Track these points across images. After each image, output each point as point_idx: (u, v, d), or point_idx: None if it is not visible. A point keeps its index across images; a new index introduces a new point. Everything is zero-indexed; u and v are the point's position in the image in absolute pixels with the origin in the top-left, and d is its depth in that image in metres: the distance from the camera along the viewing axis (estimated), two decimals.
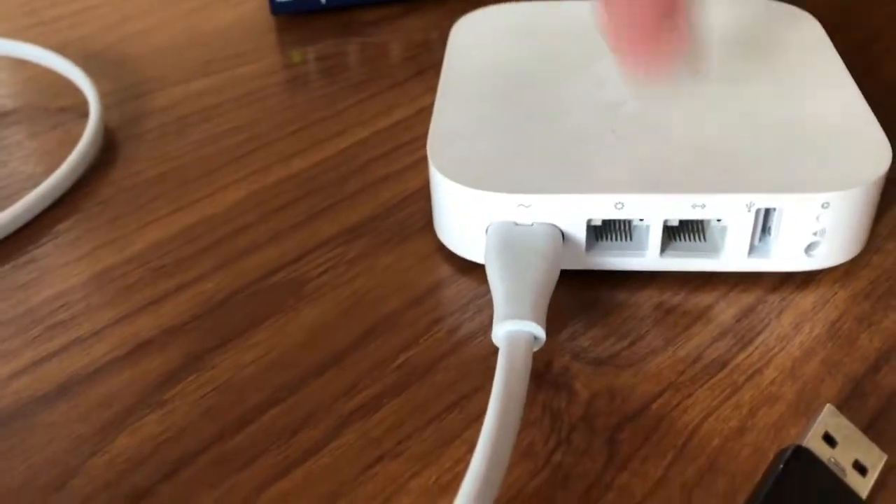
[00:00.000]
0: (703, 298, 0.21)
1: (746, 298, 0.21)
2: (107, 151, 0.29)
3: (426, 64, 0.32)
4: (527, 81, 0.25)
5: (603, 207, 0.20)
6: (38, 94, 0.32)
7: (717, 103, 0.23)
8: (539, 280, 0.19)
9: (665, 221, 0.21)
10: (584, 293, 0.22)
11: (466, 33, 0.28)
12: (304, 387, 0.20)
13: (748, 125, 0.22)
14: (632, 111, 0.23)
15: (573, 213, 0.21)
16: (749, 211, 0.20)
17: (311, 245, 0.24)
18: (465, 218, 0.21)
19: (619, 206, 0.20)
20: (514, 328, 0.18)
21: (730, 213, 0.20)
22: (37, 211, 0.25)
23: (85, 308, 0.22)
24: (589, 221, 0.21)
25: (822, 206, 0.20)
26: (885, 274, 0.21)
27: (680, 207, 0.20)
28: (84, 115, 0.30)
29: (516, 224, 0.21)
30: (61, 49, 0.34)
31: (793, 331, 0.20)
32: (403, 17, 0.36)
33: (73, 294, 0.23)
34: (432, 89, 0.30)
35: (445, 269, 0.23)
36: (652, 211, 0.20)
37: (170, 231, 0.25)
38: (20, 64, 0.33)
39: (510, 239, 0.21)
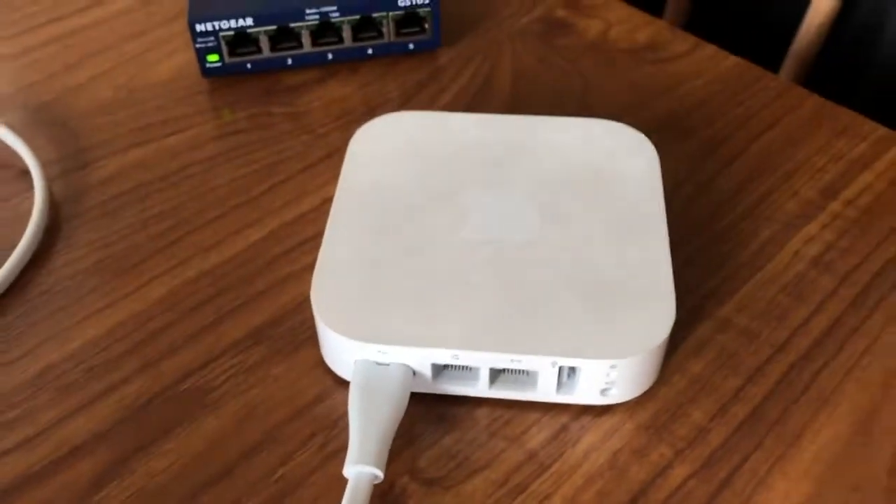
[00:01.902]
0: (524, 420, 0.27)
1: (555, 424, 0.26)
2: (51, 230, 0.33)
3: (334, 145, 0.36)
4: (406, 213, 0.29)
5: (443, 356, 0.25)
6: None
7: (543, 252, 0.28)
8: (387, 423, 0.25)
9: (490, 368, 0.26)
10: (433, 408, 0.27)
11: (363, 146, 0.32)
12: (201, 497, 0.25)
13: (563, 281, 0.27)
14: (481, 257, 0.28)
15: (421, 358, 0.26)
16: (553, 367, 0.25)
17: (218, 350, 0.29)
18: (339, 350, 0.26)
19: (455, 357, 0.25)
20: (360, 471, 0.24)
21: (539, 367, 0.25)
22: None
23: (29, 409, 0.27)
24: (433, 363, 0.26)
25: (611, 367, 0.25)
26: (665, 406, 0.27)
27: (501, 361, 0.25)
28: (29, 187, 0.34)
29: (377, 363, 0.26)
30: None
31: (583, 458, 0.26)
32: (322, 83, 0.39)
33: (19, 394, 0.27)
34: (335, 177, 0.34)
35: (326, 381, 0.28)
36: (480, 362, 0.25)
37: (103, 327, 0.29)
38: None
39: (369, 377, 0.26)
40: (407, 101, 0.38)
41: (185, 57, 0.41)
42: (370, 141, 0.32)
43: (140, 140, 0.37)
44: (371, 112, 0.38)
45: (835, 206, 0.33)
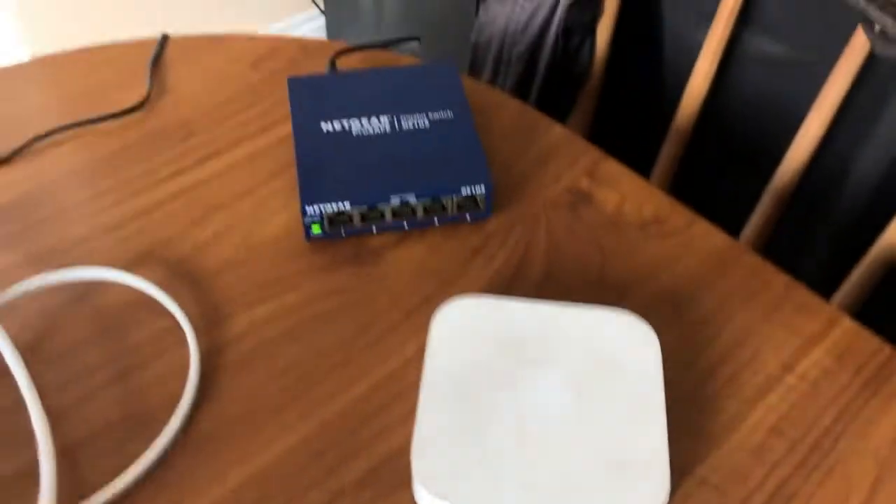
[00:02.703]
0: None
1: None
2: (202, 381, 0.43)
3: (411, 305, 0.46)
4: (475, 391, 0.39)
5: None
6: (134, 317, 0.45)
7: (573, 431, 0.38)
8: None
9: None
10: None
11: (441, 328, 0.42)
12: None
13: (587, 457, 0.37)
14: (529, 434, 0.38)
15: None
16: None
17: (338, 488, 0.39)
18: None
19: None
20: None
21: None
22: (163, 455, 0.40)
23: None
24: None
25: None
26: None
27: None
28: (178, 341, 0.44)
29: None
30: (140, 261, 0.47)
31: None
32: (399, 246, 0.49)
33: None
34: (413, 335, 0.44)
35: None
36: None
37: (253, 468, 0.40)
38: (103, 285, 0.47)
39: None
40: (466, 265, 0.48)
41: (288, 216, 0.51)
42: (446, 324, 0.42)
43: (261, 297, 0.47)
44: (438, 273, 0.48)
45: (790, 379, 0.44)
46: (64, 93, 0.59)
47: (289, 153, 0.55)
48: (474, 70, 0.72)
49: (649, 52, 0.67)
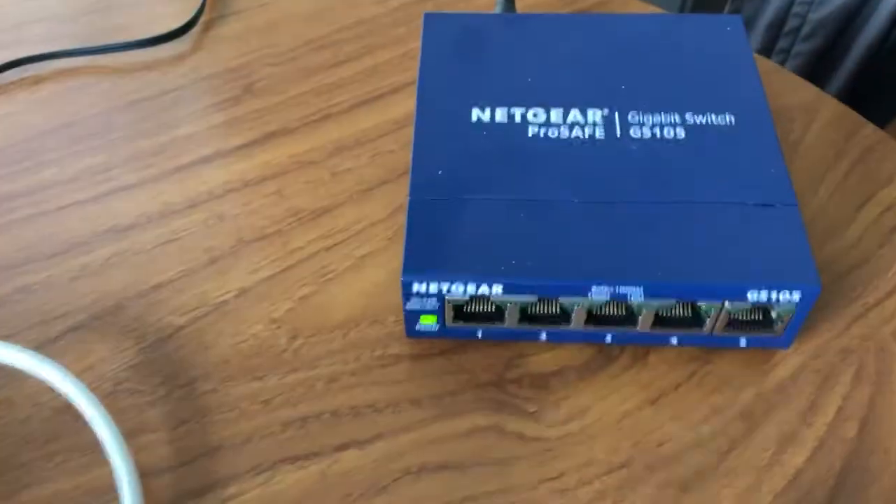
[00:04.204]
0: None
1: None
2: None
3: None
4: None
5: None
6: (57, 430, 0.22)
7: None
8: None
9: None
10: None
11: None
12: None
13: None
14: None
15: None
16: None
17: None
18: None
19: None
20: None
21: None
22: None
23: None
24: None
25: None
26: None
27: None
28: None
29: None
30: (98, 317, 0.23)
31: None
32: (588, 377, 0.24)
33: None
34: None
35: None
36: None
37: None
38: None
39: None
40: (726, 455, 0.22)
41: (381, 271, 0.26)
42: None
43: (298, 453, 0.22)
44: (669, 462, 0.22)
45: None
46: None
47: (405, 147, 0.30)
48: None
49: None
